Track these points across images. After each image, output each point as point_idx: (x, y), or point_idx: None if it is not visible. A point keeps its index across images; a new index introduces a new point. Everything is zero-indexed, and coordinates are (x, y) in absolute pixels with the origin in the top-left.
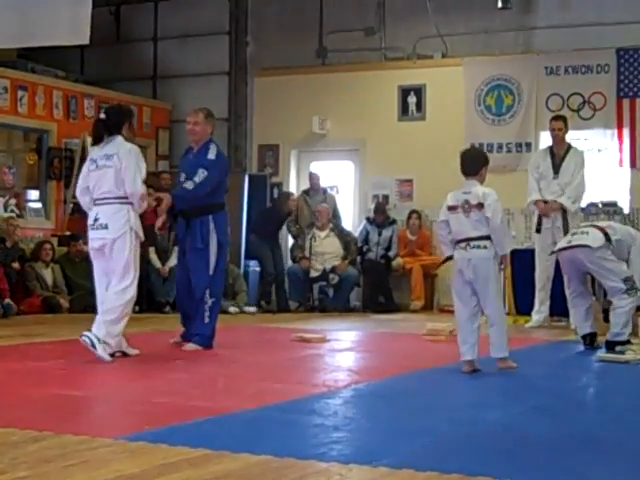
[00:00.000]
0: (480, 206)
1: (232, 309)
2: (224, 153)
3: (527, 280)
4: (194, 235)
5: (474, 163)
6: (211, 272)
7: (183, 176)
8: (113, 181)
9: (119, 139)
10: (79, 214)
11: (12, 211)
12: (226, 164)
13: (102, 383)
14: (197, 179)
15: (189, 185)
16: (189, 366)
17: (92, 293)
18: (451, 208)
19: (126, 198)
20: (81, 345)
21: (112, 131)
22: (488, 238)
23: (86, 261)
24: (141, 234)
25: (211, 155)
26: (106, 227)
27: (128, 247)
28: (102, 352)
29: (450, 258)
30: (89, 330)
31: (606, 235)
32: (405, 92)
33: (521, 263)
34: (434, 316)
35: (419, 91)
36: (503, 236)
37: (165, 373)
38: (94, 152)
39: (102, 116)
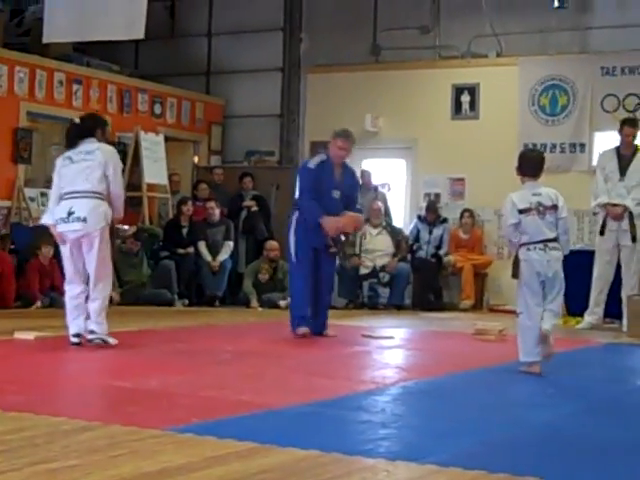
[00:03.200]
0: (554, 208)
1: (282, 303)
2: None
3: (578, 281)
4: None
5: (540, 164)
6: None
7: (338, 193)
8: (98, 176)
9: (94, 140)
10: (131, 207)
11: None
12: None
13: (151, 375)
14: (359, 206)
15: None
16: (238, 360)
17: (143, 285)
18: (523, 211)
19: (103, 194)
20: (131, 336)
21: (85, 135)
22: (557, 239)
23: (135, 254)
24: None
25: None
26: (85, 220)
27: (105, 242)
28: (113, 340)
29: (517, 261)
30: (92, 332)
31: None
32: (459, 91)
33: (573, 263)
34: (484, 315)
35: (473, 90)
36: (569, 238)
37: (214, 367)
38: (68, 152)
39: (76, 121)
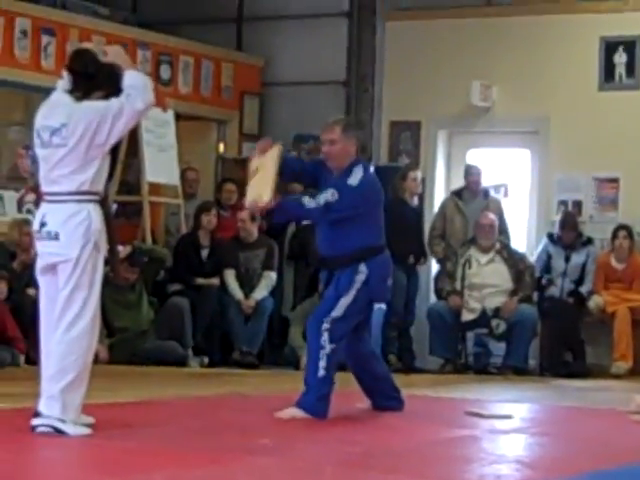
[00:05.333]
0: None
1: None
2: (374, 177)
3: None
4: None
5: None
6: (338, 313)
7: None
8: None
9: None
10: (125, 218)
11: (29, 211)
12: (375, 193)
13: (154, 469)
14: (322, 200)
15: (308, 202)
16: (281, 447)
17: (142, 335)
18: None
19: (87, 194)
20: (125, 411)
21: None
22: None
23: (130, 287)
24: (104, 246)
25: (352, 180)
26: (56, 238)
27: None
28: (74, 429)
29: None
30: (37, 414)
31: None
32: (611, 47)
33: None
34: None
35: (632, 46)
36: None
37: (246, 456)
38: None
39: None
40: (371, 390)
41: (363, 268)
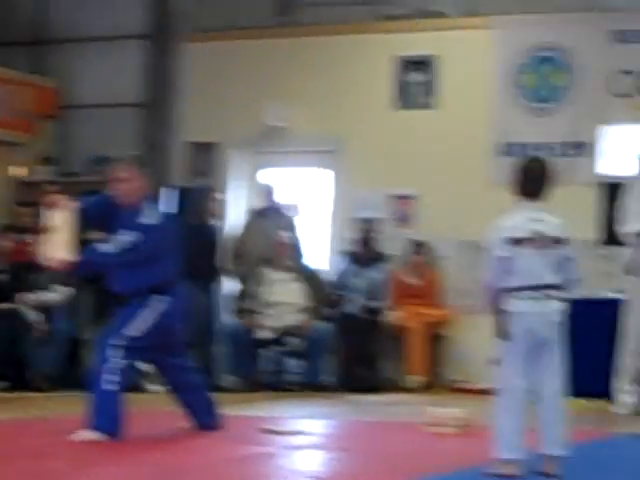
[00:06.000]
0: (558, 242)
1: (151, 387)
2: (164, 213)
3: (589, 343)
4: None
5: (542, 179)
6: (130, 332)
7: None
8: None
9: None
10: None
11: None
12: (168, 230)
13: None
14: (119, 243)
15: (107, 248)
16: (77, 471)
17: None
18: (516, 241)
19: None
20: None
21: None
22: (559, 287)
23: None
24: None
25: (146, 219)
26: None
27: None
28: None
29: (504, 314)
30: None
31: None
32: (407, 66)
33: (585, 319)
34: (440, 397)
35: (427, 65)
36: (576, 284)
37: None
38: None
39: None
40: (189, 407)
41: (157, 297)
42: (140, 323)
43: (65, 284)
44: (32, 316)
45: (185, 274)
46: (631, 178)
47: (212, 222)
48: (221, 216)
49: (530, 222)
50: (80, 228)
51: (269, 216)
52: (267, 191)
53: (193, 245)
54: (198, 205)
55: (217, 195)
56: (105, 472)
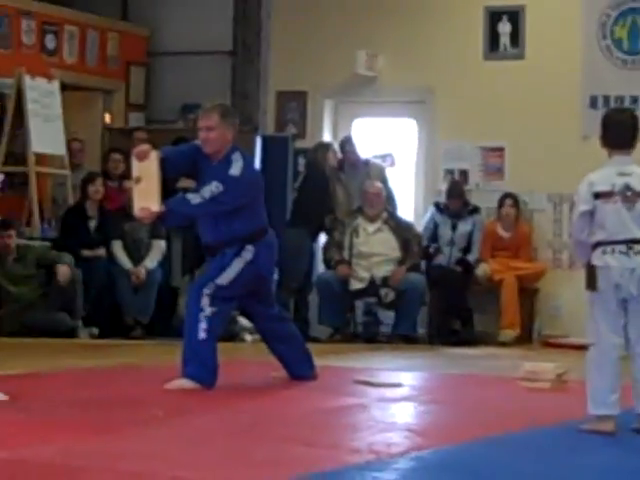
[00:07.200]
0: None
1: (248, 337)
2: (254, 164)
3: None
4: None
5: (633, 130)
6: (221, 281)
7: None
8: None
9: None
10: (10, 190)
11: None
12: (257, 180)
13: (46, 440)
14: (207, 194)
15: (193, 198)
16: (174, 417)
17: (30, 306)
18: (602, 195)
19: None
20: (13, 383)
21: None
22: None
23: (17, 259)
24: None
25: (234, 170)
26: None
27: None
28: None
29: (592, 267)
30: None
31: None
32: (495, 17)
33: None
34: (534, 352)
35: (515, 16)
36: None
37: (138, 428)
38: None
39: None
40: (284, 358)
41: (249, 247)
42: (231, 272)
43: (155, 235)
44: (127, 264)
45: (296, 220)
46: None
47: (326, 171)
48: (334, 167)
49: (618, 176)
50: (168, 177)
51: (352, 168)
52: (348, 144)
53: (306, 192)
54: (319, 156)
55: (337, 148)
56: (203, 420)
